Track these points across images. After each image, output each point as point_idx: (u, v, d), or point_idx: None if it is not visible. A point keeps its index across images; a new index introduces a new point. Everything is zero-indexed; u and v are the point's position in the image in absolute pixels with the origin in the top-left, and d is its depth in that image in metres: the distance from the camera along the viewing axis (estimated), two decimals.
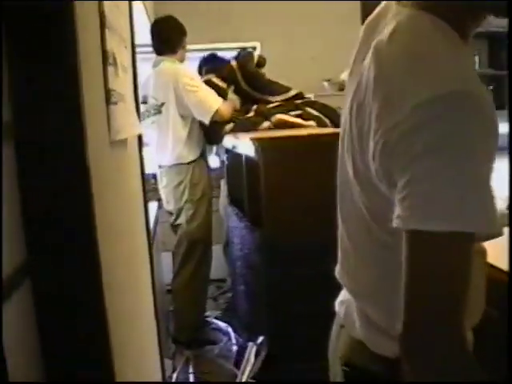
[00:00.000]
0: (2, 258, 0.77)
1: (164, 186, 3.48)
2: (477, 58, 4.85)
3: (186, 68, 3.52)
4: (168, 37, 3.47)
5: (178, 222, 3.47)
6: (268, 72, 4.67)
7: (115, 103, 1.44)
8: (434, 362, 0.81)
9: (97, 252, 0.98)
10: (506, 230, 0.90)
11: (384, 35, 0.92)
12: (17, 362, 0.80)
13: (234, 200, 3.73)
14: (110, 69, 1.43)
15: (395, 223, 0.84)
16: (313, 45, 4.61)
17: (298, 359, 2.55)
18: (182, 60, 3.55)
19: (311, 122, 3.37)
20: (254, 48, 4.77)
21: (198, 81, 3.44)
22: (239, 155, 3.31)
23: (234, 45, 4.57)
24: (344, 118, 1.06)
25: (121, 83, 1.59)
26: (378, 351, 1.05)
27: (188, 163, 3.39)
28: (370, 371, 1.07)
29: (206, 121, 3.32)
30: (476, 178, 0.80)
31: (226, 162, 4.03)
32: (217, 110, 3.31)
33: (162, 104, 3.37)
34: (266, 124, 3.38)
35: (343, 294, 1.19)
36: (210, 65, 4.05)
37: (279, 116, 3.37)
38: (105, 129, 1.36)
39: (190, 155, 3.40)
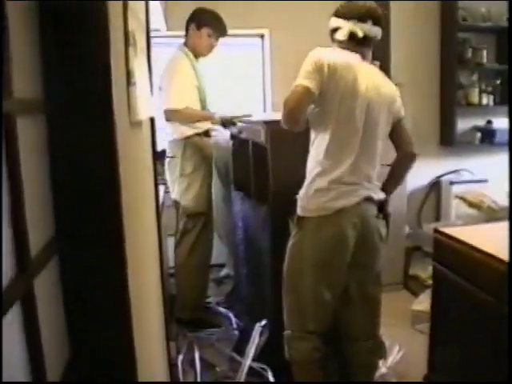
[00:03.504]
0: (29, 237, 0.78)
1: (166, 160, 3.54)
2: (484, 53, 4.85)
3: (184, 60, 3.45)
4: (187, 24, 3.50)
5: (173, 196, 3.53)
6: (276, 60, 4.69)
7: (134, 84, 1.44)
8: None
9: (122, 231, 0.99)
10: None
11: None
12: (44, 336, 0.82)
13: (238, 185, 3.74)
14: (131, 50, 1.43)
15: None
16: (321, 33, 4.57)
17: None
18: (199, 52, 3.52)
19: None
20: (263, 35, 4.76)
21: (183, 76, 3.41)
22: (245, 141, 3.32)
23: (242, 32, 4.55)
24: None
25: (139, 64, 1.60)
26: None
27: (182, 139, 3.43)
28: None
29: (162, 109, 3.35)
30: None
31: (232, 149, 4.03)
32: (174, 110, 3.33)
33: (160, 88, 3.41)
34: None
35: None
36: None
37: None
38: (125, 109, 1.36)
39: (186, 132, 3.42)
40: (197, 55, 3.52)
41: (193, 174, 3.46)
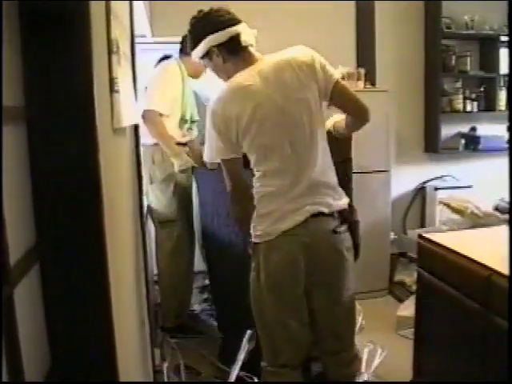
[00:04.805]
0: (9, 244, 0.77)
1: None
2: (468, 60, 4.91)
3: (175, 70, 3.37)
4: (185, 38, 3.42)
5: (147, 202, 3.42)
6: None
7: (117, 91, 1.44)
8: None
9: (103, 238, 0.99)
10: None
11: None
12: (25, 344, 0.81)
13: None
14: (114, 57, 1.43)
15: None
16: (297, 38, 4.55)
17: None
18: (193, 74, 3.44)
19: None
20: None
21: (169, 84, 3.34)
22: None
23: None
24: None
25: (122, 72, 1.60)
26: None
27: (152, 145, 3.32)
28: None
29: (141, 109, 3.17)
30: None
31: None
32: (148, 111, 3.18)
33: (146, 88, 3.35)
34: None
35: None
36: None
37: None
38: (108, 116, 1.36)
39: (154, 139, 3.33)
40: (189, 74, 3.46)
41: (164, 182, 3.39)
